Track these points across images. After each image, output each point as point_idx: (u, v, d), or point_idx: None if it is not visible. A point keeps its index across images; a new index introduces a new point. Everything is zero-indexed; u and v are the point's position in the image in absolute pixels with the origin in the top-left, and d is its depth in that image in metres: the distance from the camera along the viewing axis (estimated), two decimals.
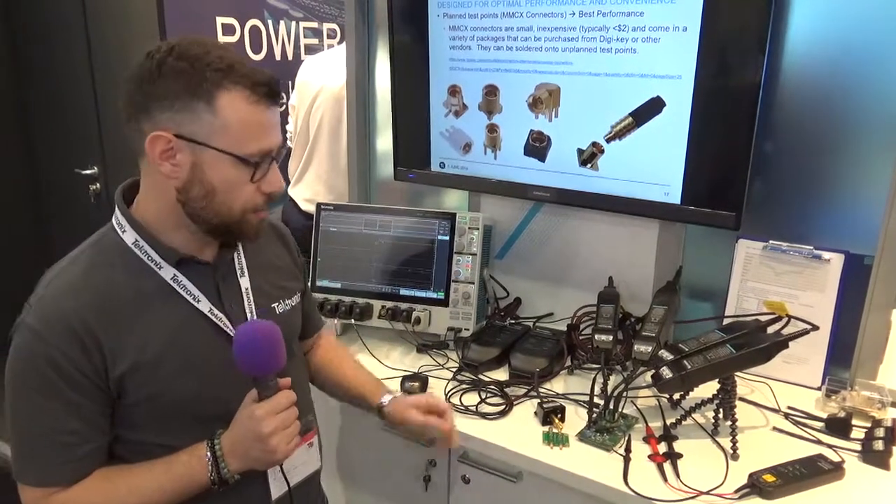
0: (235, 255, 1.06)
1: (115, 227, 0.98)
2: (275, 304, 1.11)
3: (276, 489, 1.05)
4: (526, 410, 1.36)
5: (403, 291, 1.64)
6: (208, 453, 0.95)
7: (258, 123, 0.92)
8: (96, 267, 0.95)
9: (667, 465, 1.18)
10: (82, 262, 0.95)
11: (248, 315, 1.04)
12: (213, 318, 0.99)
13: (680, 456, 1.20)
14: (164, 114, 0.89)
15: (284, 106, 2.98)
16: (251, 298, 1.05)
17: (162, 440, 0.97)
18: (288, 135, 2.82)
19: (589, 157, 1.53)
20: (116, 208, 0.99)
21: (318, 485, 1.21)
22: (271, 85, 0.93)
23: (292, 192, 2.71)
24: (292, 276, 1.19)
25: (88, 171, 3.10)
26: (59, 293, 0.92)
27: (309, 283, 1.27)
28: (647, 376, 1.26)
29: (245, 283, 1.05)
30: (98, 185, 3.11)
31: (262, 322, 0.98)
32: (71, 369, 0.89)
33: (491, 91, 1.62)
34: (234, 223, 0.96)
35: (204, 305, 0.99)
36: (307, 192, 2.63)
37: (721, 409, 1.27)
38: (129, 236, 0.96)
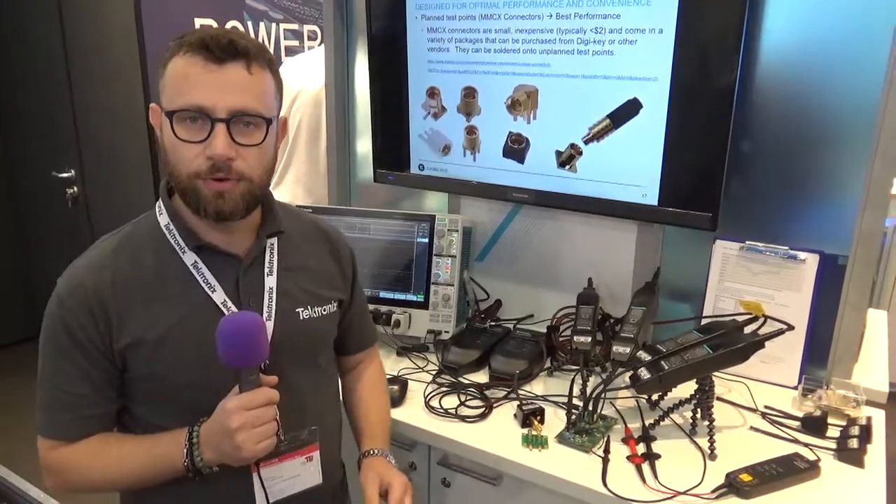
0: (268, 251, 1.06)
1: (157, 208, 1.03)
2: (300, 309, 1.08)
3: (261, 498, 1.03)
4: (505, 413, 1.36)
5: (383, 294, 1.64)
6: (186, 440, 0.96)
7: (185, 77, 0.92)
8: (128, 244, 1.00)
9: (645, 466, 1.18)
10: (117, 239, 1.01)
11: (266, 314, 1.03)
12: (224, 309, 0.99)
13: (658, 456, 1.20)
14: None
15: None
16: (274, 298, 1.04)
17: (159, 421, 0.99)
18: None
19: (567, 158, 1.53)
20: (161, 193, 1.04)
21: (319, 502, 1.14)
22: (206, 40, 0.91)
23: None
24: (332, 285, 1.16)
25: (65, 175, 3.07)
26: (86, 265, 0.98)
27: (362, 296, 1.27)
28: (626, 377, 1.27)
29: (271, 282, 1.05)
30: (75, 188, 3.08)
31: (246, 313, 0.97)
32: (82, 337, 0.95)
33: (469, 93, 1.62)
34: (188, 191, 0.95)
35: (218, 296, 0.99)
36: (286, 195, 2.61)
37: (699, 410, 1.27)
38: (164, 219, 1.01)
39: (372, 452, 1.16)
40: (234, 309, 1.00)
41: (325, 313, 1.13)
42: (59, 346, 0.96)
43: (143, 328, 0.96)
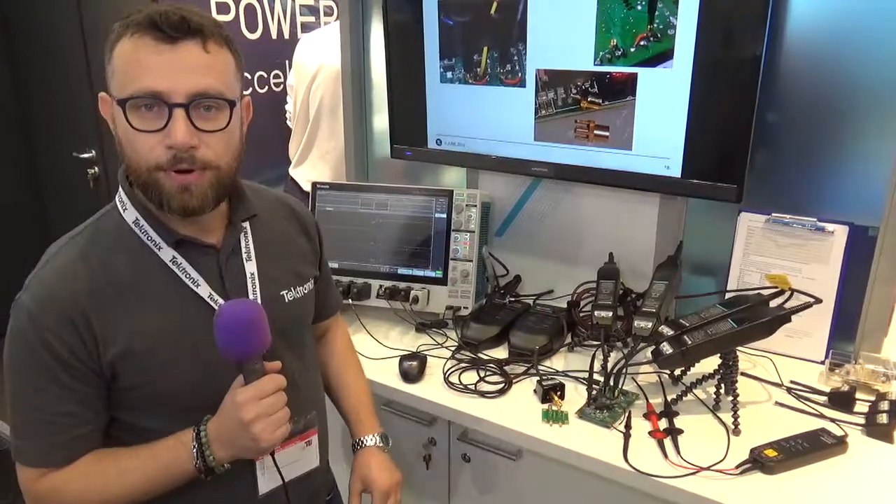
0: (243, 237, 1.02)
1: (118, 203, 0.96)
2: (284, 292, 1.06)
3: (264, 484, 1.02)
4: (525, 388, 1.35)
5: (401, 270, 1.63)
6: (194, 441, 0.92)
7: (136, 60, 0.84)
8: (95, 247, 0.92)
9: (667, 441, 1.17)
10: (81, 242, 0.93)
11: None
12: (212, 303, 0.95)
13: (681, 432, 1.19)
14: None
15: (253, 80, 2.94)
16: (257, 284, 1.00)
17: (156, 425, 0.94)
18: (287, 115, 2.79)
19: (587, 130, 1.50)
20: (119, 186, 0.96)
21: (318, 482, 1.16)
22: (154, 18, 0.83)
23: (294, 172, 2.69)
24: (307, 261, 1.14)
25: (86, 155, 3.09)
26: (55, 274, 0.90)
27: (326, 265, 1.24)
28: (648, 352, 1.25)
29: (251, 267, 1.01)
30: (96, 168, 3.10)
31: (243, 301, 0.93)
32: (65, 353, 0.88)
33: (487, 65, 1.59)
34: (149, 185, 0.88)
35: (203, 290, 0.95)
36: (311, 172, 2.61)
37: (722, 385, 1.25)
38: (130, 215, 0.94)
39: (362, 443, 1.18)
40: (221, 301, 0.95)
41: (306, 292, 1.10)
42: (37, 366, 0.88)
43: (130, 335, 0.90)
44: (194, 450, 0.91)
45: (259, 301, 0.99)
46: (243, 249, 1.01)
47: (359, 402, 1.23)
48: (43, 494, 0.92)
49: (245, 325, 0.88)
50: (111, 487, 0.92)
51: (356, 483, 1.15)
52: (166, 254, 0.93)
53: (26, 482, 0.93)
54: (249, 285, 1.00)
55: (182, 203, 0.89)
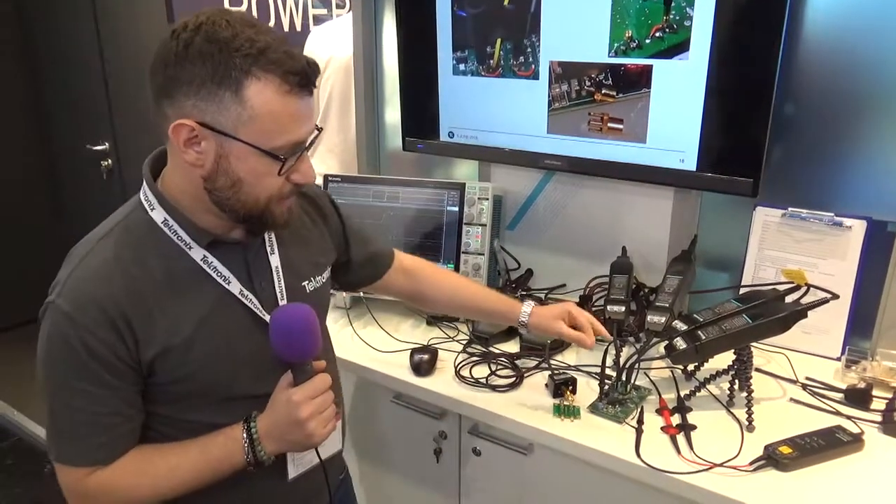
0: (266, 232, 1.03)
1: (144, 202, 0.95)
2: (305, 283, 1.07)
3: (293, 470, 1.04)
4: (537, 383, 1.35)
5: None
6: (244, 435, 0.94)
7: (289, 115, 0.87)
8: (127, 248, 0.92)
9: (680, 437, 1.16)
10: (112, 242, 0.92)
11: (279, 294, 1.01)
12: (243, 299, 0.97)
13: (694, 428, 1.17)
14: (188, 100, 0.84)
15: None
16: (281, 277, 1.02)
17: (192, 417, 0.96)
18: None
19: (601, 123, 1.49)
20: (144, 183, 0.96)
21: (338, 464, 1.20)
22: (306, 73, 0.86)
23: None
24: (323, 250, 1.15)
25: (99, 147, 3.10)
26: (90, 276, 0.89)
27: (348, 228, 1.22)
28: (661, 347, 1.24)
29: (275, 261, 1.02)
30: (109, 161, 3.12)
31: (297, 307, 0.95)
32: (107, 353, 0.88)
33: (500, 57, 1.58)
34: (260, 213, 0.92)
35: (234, 287, 0.96)
36: (320, 166, 2.60)
37: (736, 380, 1.24)
38: (158, 215, 0.93)
39: (526, 312, 1.28)
40: (251, 297, 0.97)
41: (324, 281, 1.12)
42: (78, 368, 0.88)
43: (167, 335, 0.91)
44: (245, 444, 0.94)
45: (284, 294, 1.01)
46: (267, 243, 1.03)
47: (491, 293, 1.36)
48: (92, 492, 0.93)
49: (303, 332, 0.92)
50: (161, 482, 0.94)
51: (561, 323, 1.26)
52: (197, 253, 0.94)
53: (72, 483, 0.93)
54: (275, 278, 1.02)
55: (287, 222, 0.97)
